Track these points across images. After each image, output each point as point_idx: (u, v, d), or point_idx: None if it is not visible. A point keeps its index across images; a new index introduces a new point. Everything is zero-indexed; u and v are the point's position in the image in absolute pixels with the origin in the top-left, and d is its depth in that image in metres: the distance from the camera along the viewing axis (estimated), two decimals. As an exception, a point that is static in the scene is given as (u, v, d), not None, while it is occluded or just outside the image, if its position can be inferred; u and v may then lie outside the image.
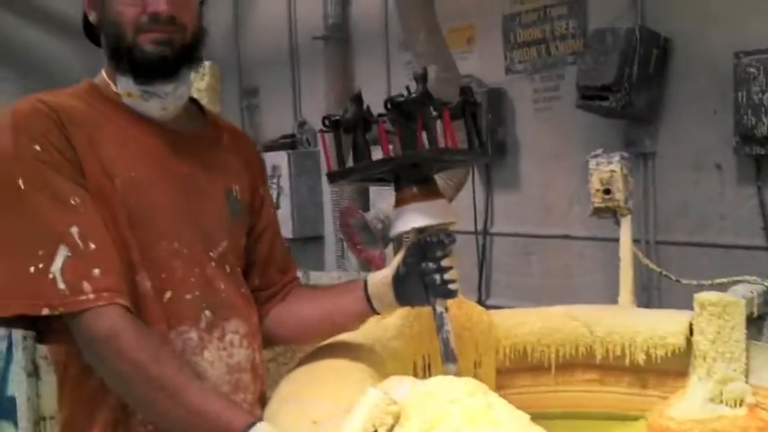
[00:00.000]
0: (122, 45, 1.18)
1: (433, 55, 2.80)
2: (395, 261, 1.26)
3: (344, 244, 4.61)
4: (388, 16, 4.28)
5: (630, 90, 2.94)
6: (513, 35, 3.68)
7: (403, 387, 1.02)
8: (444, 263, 1.21)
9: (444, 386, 1.00)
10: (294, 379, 1.27)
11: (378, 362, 1.41)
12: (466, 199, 3.46)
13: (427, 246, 1.21)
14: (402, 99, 1.22)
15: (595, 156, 2.03)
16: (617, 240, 3.06)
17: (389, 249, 2.88)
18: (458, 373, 1.58)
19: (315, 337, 1.42)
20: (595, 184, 2.01)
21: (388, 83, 4.38)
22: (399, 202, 1.24)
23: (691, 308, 1.80)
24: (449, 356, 1.27)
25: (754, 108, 2.69)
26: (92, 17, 1.22)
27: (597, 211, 2.04)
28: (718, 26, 2.92)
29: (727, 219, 2.98)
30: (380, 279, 1.27)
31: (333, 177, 1.31)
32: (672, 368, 1.69)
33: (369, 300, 1.29)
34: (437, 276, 1.20)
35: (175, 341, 1.19)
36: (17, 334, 2.62)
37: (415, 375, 1.56)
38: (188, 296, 1.20)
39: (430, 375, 1.60)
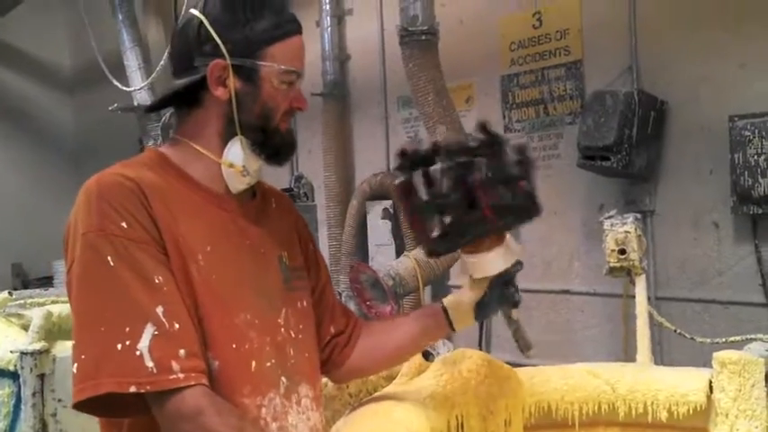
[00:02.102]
0: (269, 126, 1.28)
1: (440, 116, 2.88)
2: (473, 290, 1.42)
3: (341, 296, 4.63)
4: (387, 74, 4.39)
5: (630, 151, 3.03)
6: (512, 95, 3.78)
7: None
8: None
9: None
10: (347, 440, 1.29)
11: (418, 422, 1.44)
12: (466, 254, 3.51)
13: (509, 275, 1.41)
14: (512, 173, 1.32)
15: (610, 217, 2.11)
16: (617, 296, 3.14)
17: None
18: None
19: (401, 361, 1.65)
20: (610, 244, 2.07)
21: (386, 139, 4.45)
22: (478, 249, 1.38)
23: (693, 363, 1.85)
24: (528, 346, 1.51)
25: (750, 169, 2.79)
26: (218, 93, 1.25)
27: (612, 271, 2.10)
28: (713, 90, 3.03)
29: (725, 275, 3.06)
30: (464, 306, 1.43)
31: (435, 252, 1.39)
32: (692, 425, 1.73)
33: (450, 323, 1.45)
34: (516, 295, 1.44)
35: (267, 408, 1.22)
36: (26, 391, 2.59)
37: (451, 435, 1.59)
38: (268, 364, 1.24)
39: (464, 434, 1.63)
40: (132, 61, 4.94)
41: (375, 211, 4.26)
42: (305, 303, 1.38)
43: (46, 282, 5.85)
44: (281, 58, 1.25)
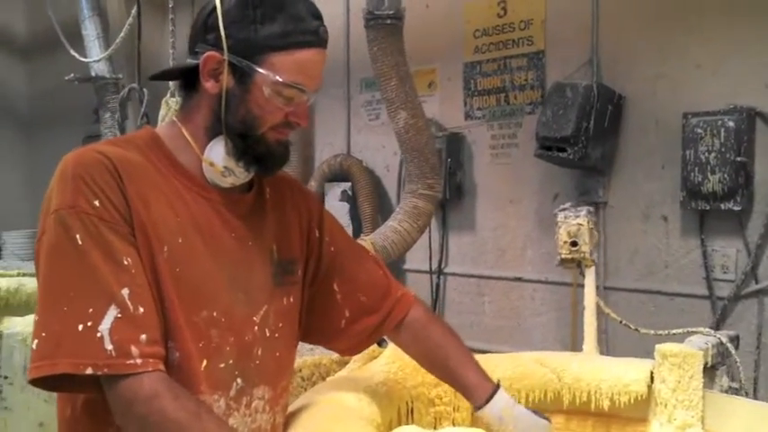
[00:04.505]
0: (252, 134, 1.23)
1: (403, 102, 2.89)
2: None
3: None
4: (351, 55, 4.37)
5: (587, 143, 3.08)
6: (474, 83, 3.81)
7: (416, 436, 1.09)
8: None
9: (456, 436, 1.07)
10: (300, 426, 1.31)
11: (370, 408, 1.47)
12: (422, 239, 3.55)
13: None
14: None
15: (563, 209, 2.15)
16: (567, 284, 3.22)
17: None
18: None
19: None
20: (563, 236, 2.12)
21: (347, 121, 4.45)
22: None
23: (637, 352, 1.92)
24: None
25: (701, 166, 2.86)
26: (208, 85, 1.22)
27: (563, 262, 2.15)
28: (669, 87, 3.09)
29: (672, 268, 3.15)
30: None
31: None
32: (633, 414, 1.80)
33: (476, 405, 1.50)
34: None
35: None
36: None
37: (400, 419, 1.63)
38: (222, 365, 1.22)
39: (413, 419, 1.67)
40: (91, 31, 4.81)
41: (333, 193, 4.27)
42: (291, 299, 1.36)
43: (-5, 253, 5.72)
44: (281, 68, 1.19)
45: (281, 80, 1.19)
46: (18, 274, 3.00)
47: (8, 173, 6.63)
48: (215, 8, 1.20)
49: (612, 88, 3.17)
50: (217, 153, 1.24)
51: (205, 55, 1.20)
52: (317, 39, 1.22)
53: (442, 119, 3.93)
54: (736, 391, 1.99)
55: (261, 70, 1.19)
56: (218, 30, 1.19)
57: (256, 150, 1.24)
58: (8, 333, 2.51)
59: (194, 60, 1.22)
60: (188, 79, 1.27)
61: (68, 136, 6.33)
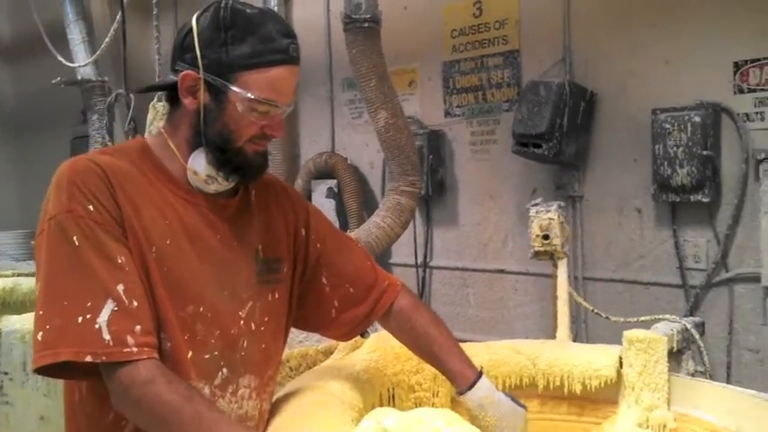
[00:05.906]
0: (229, 147, 1.31)
1: (382, 102, 2.98)
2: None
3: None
4: (332, 55, 4.46)
5: (561, 139, 3.19)
6: (453, 81, 3.91)
7: (391, 417, 1.18)
8: None
9: (428, 416, 1.17)
10: (285, 411, 1.41)
11: (351, 394, 1.56)
12: (407, 234, 3.65)
13: None
14: None
15: (535, 204, 2.25)
16: (548, 276, 3.31)
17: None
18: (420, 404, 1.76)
19: None
20: (535, 230, 2.23)
21: (331, 120, 4.54)
22: None
23: (614, 340, 2.01)
24: None
25: (670, 160, 2.98)
26: (186, 101, 1.30)
27: (537, 255, 2.25)
28: (639, 84, 3.21)
29: (646, 258, 3.27)
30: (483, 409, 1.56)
31: None
32: (604, 397, 1.90)
33: (459, 390, 1.58)
34: None
35: None
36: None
37: (382, 404, 1.73)
38: (207, 356, 1.31)
39: (394, 404, 1.77)
40: (76, 35, 4.87)
41: (320, 190, 4.36)
42: (277, 295, 1.44)
43: (-15, 255, 5.76)
44: (253, 86, 1.27)
45: (252, 97, 1.27)
46: (13, 275, 3.06)
47: (-1, 175, 6.68)
48: (191, 29, 1.30)
49: (584, 86, 3.28)
50: (199, 163, 1.33)
51: (182, 73, 1.29)
52: (287, 57, 1.29)
53: (423, 117, 4.02)
54: (702, 375, 2.09)
55: (234, 88, 1.27)
56: (194, 50, 1.28)
57: (235, 162, 1.33)
58: (7, 331, 2.57)
59: (174, 78, 1.32)
60: (172, 93, 1.36)
61: (56, 137, 6.39)
